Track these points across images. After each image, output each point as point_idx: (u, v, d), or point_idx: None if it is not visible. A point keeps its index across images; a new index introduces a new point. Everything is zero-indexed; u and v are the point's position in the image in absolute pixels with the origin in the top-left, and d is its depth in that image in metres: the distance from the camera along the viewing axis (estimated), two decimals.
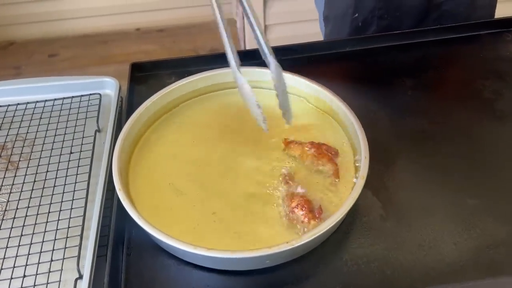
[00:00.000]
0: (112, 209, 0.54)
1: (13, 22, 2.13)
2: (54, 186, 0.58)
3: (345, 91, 0.62)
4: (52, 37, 2.18)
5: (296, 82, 0.64)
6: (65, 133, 0.65)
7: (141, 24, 2.23)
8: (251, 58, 0.75)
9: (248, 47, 1.86)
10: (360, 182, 0.50)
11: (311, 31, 1.86)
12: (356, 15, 0.85)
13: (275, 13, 1.78)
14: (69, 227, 0.54)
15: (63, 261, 0.51)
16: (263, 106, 0.63)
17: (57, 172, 0.60)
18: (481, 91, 0.69)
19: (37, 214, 0.55)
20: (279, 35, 1.84)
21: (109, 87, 0.73)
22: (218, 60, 0.73)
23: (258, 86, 0.66)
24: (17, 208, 0.56)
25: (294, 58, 0.76)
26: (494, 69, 0.73)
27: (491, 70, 0.73)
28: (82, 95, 0.71)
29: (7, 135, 0.66)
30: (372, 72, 0.75)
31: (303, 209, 0.50)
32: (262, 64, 0.54)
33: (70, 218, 0.55)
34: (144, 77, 0.73)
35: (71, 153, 0.63)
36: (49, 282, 0.49)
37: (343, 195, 0.53)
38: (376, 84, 0.72)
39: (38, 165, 0.61)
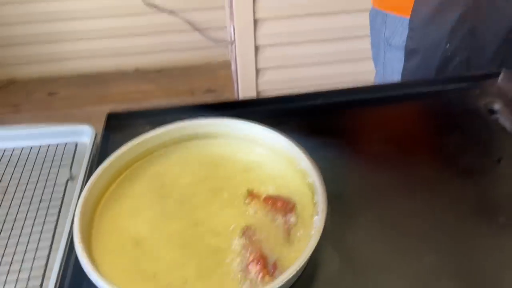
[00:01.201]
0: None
1: (14, 62, 2.20)
2: (20, 235, 0.59)
3: (312, 144, 0.63)
4: (52, 76, 2.24)
5: (260, 132, 0.66)
6: (38, 181, 0.67)
7: (140, 65, 2.29)
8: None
9: (241, 87, 1.90)
10: (315, 238, 0.51)
11: (300, 52, 1.86)
12: (448, 45, 0.86)
13: (266, 34, 1.79)
14: (29, 277, 0.54)
15: None
16: (236, 159, 0.64)
17: (25, 220, 0.61)
18: (446, 146, 0.70)
19: None
20: (269, 55, 1.86)
21: (86, 135, 0.75)
22: (194, 110, 0.75)
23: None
24: None
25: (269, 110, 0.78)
26: (459, 124, 0.74)
27: (456, 125, 0.74)
28: (58, 144, 0.73)
29: None
30: (338, 125, 0.76)
31: (258, 264, 0.51)
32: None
33: (32, 267, 0.55)
34: (120, 126, 0.75)
35: (41, 201, 0.64)
36: None
37: (300, 250, 0.54)
38: (342, 137, 0.73)
39: (7, 214, 0.62)
